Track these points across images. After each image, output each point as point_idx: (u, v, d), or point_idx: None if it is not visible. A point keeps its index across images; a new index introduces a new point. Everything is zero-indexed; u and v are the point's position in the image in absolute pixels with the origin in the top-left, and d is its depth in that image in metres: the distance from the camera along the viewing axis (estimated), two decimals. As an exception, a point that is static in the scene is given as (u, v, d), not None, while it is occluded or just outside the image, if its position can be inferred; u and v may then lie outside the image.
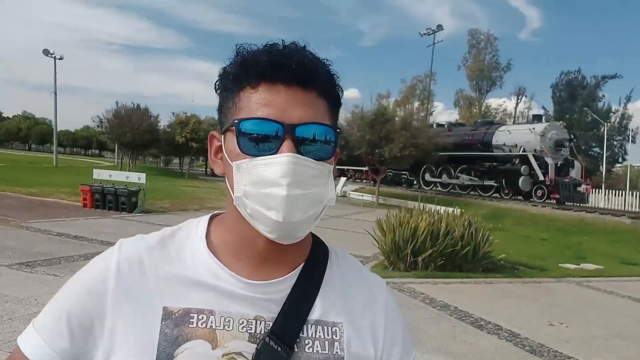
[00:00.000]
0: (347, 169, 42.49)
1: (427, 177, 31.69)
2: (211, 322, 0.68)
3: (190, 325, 0.68)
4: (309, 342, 0.71)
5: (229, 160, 0.70)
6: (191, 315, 0.68)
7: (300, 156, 0.65)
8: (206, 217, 0.80)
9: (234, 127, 0.68)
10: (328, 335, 0.72)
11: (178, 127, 42.02)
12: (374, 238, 8.38)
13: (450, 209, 9.45)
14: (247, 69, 0.69)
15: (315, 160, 0.67)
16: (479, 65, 51.49)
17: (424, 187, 31.60)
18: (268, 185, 0.65)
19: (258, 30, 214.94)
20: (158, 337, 0.67)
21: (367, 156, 26.32)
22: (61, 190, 16.29)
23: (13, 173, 23.89)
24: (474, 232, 8.53)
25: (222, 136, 0.72)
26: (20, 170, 27.54)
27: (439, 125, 33.96)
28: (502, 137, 25.65)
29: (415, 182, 33.65)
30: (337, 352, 0.71)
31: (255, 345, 0.69)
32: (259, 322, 0.70)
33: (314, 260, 0.77)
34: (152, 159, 56.24)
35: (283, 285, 0.73)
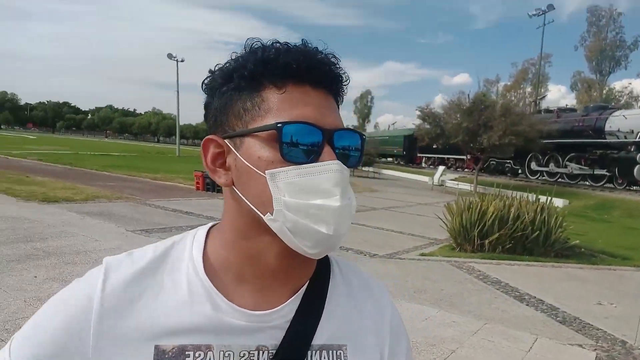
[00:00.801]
0: (448, 158, 41.80)
1: (533, 166, 30.26)
2: (209, 359, 0.62)
3: None
4: None
5: (254, 169, 0.61)
6: (187, 353, 0.62)
7: (342, 164, 0.61)
8: (203, 232, 0.71)
9: (269, 131, 0.61)
10: None
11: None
12: (443, 221, 8.87)
13: (526, 194, 9.54)
14: (270, 68, 0.62)
15: (348, 167, 0.63)
16: (599, 45, 47.17)
17: (530, 177, 30.25)
18: (317, 196, 0.60)
19: (365, 21, 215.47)
20: None
21: (465, 144, 25.93)
22: (180, 176, 18.66)
23: (142, 162, 27.53)
24: (546, 218, 8.63)
25: (233, 141, 0.64)
26: (149, 160, 31.44)
27: (547, 111, 32.16)
28: (617, 122, 23.74)
29: (520, 171, 32.28)
30: None
31: None
32: (261, 352, 0.65)
33: (318, 275, 0.72)
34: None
35: (287, 309, 0.67)
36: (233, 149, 0.64)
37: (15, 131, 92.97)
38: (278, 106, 0.62)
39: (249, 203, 0.62)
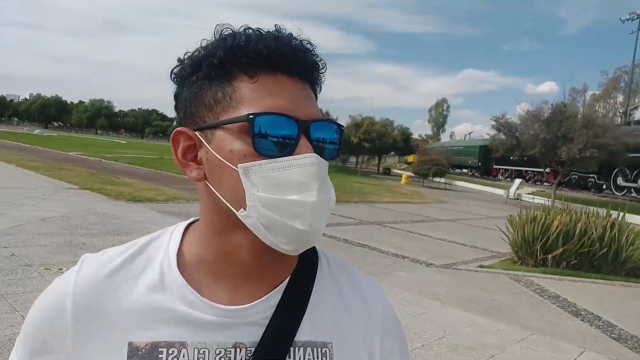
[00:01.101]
0: (526, 171, 40.09)
1: (620, 181, 28.40)
2: (183, 356, 0.60)
3: None
4: None
5: (226, 163, 0.59)
6: (160, 350, 0.60)
7: (318, 156, 0.58)
8: (181, 227, 0.70)
9: (241, 123, 0.58)
10: (317, 357, 0.65)
11: (353, 128, 45.00)
12: (505, 234, 8.76)
13: (596, 209, 9.17)
14: (241, 56, 0.59)
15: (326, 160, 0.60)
16: None
17: (616, 192, 28.38)
18: (295, 191, 0.57)
19: (444, 27, 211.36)
20: None
21: (543, 157, 24.86)
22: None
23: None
24: (616, 234, 8.28)
25: (204, 134, 0.61)
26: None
27: (638, 122, 30.04)
28: None
29: (604, 187, 30.32)
30: None
31: None
32: (238, 349, 0.62)
33: (301, 271, 0.69)
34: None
35: (265, 304, 0.64)
36: (204, 142, 0.61)
37: (109, 136, 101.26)
38: (250, 96, 0.59)
39: (222, 198, 0.60)
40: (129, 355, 0.60)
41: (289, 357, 0.63)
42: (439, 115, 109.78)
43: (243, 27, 0.62)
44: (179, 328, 0.61)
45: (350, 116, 49.15)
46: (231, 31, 0.62)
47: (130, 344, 0.60)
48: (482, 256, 8.99)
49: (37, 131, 68.49)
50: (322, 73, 0.66)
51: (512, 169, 42.94)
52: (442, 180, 36.42)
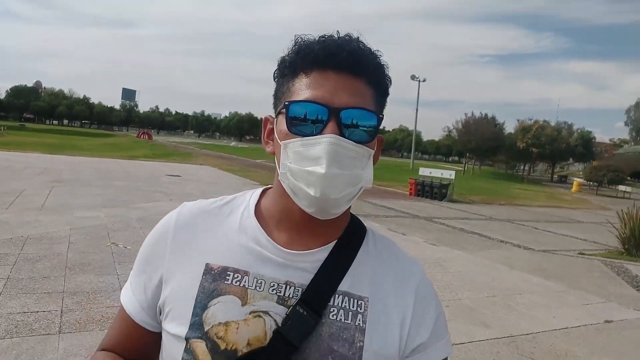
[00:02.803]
0: None
1: None
2: (244, 282, 0.76)
3: (225, 282, 0.76)
4: (334, 309, 0.76)
5: (278, 140, 0.77)
6: (228, 273, 0.77)
7: (341, 138, 0.71)
8: (259, 190, 0.89)
9: (284, 109, 0.74)
10: (353, 307, 0.77)
11: (520, 133, 43.52)
12: (613, 226, 9.33)
13: None
14: (302, 57, 0.75)
15: (356, 142, 0.73)
16: None
17: None
18: (309, 164, 0.72)
19: None
20: (197, 288, 0.76)
21: None
22: (403, 184, 21.70)
23: (379, 172, 31.67)
24: None
25: (275, 119, 0.80)
26: (386, 171, 35.59)
27: None
28: None
29: None
30: (359, 323, 0.76)
31: (282, 307, 0.75)
32: (288, 286, 0.77)
33: (348, 237, 0.83)
34: (499, 164, 58.78)
35: (315, 257, 0.79)
36: (275, 126, 0.79)
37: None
38: (299, 88, 0.75)
39: (277, 166, 0.78)
40: (204, 272, 0.77)
41: (330, 302, 0.76)
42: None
43: (317, 36, 0.78)
44: (246, 260, 0.78)
45: (518, 120, 47.56)
46: (300, 39, 0.78)
47: (207, 264, 0.78)
48: (591, 248, 9.67)
49: (233, 143, 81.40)
50: (375, 70, 0.77)
51: None
52: (624, 188, 33.22)
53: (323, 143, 0.71)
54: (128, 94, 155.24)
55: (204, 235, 0.81)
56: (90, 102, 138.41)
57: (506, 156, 49.04)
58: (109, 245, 6.22)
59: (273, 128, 0.80)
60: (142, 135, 72.24)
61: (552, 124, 47.83)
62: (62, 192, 10.54)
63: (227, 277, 0.76)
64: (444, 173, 18.20)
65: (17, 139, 38.38)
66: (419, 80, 50.68)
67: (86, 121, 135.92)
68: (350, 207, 0.81)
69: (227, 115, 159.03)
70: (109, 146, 45.56)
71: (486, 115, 45.89)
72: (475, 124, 43.91)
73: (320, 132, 0.72)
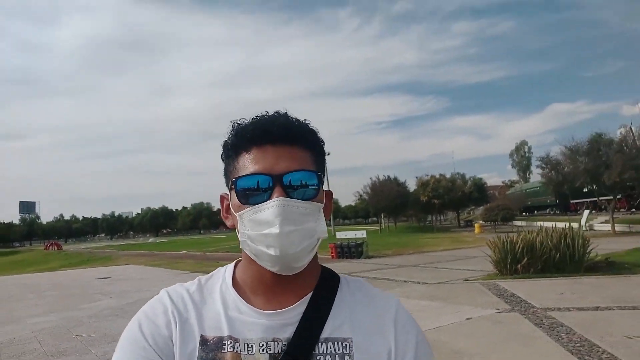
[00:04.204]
0: (600, 200, 40.09)
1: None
2: (237, 348, 0.82)
3: (222, 351, 0.82)
4: (320, 358, 0.81)
5: (233, 212, 0.85)
6: (223, 342, 0.82)
7: (288, 198, 0.79)
8: (232, 264, 0.96)
9: (233, 185, 0.83)
10: (339, 350, 0.82)
11: (421, 188, 47.99)
12: (487, 255, 11.73)
13: (562, 224, 11.86)
14: (239, 138, 0.85)
15: (303, 200, 0.80)
16: None
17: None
18: (264, 227, 0.79)
19: (517, 69, 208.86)
20: (196, 359, 0.82)
21: (587, 185, 26.35)
22: (325, 249, 23.52)
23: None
24: (570, 241, 10.97)
25: (229, 195, 0.87)
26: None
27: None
28: None
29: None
30: None
31: None
32: (276, 343, 0.82)
33: (322, 287, 0.89)
34: (407, 219, 63.13)
35: (295, 311, 0.85)
36: (229, 201, 0.87)
37: (210, 234, 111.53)
38: (244, 165, 0.84)
39: (239, 237, 0.85)
40: (200, 344, 0.83)
41: (315, 350, 0.81)
42: (522, 158, 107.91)
43: (252, 117, 0.87)
44: (234, 328, 0.84)
45: (416, 177, 52.27)
46: (237, 124, 0.87)
47: (202, 336, 0.84)
48: (472, 275, 11.93)
49: (151, 240, 79.32)
50: (307, 136, 0.86)
51: (587, 201, 42.89)
52: (519, 223, 37.62)
53: (272, 206, 0.78)
54: (27, 207, 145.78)
55: (193, 312, 0.87)
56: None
57: (414, 210, 53.13)
58: (74, 336, 7.24)
59: (229, 204, 0.88)
60: (50, 247, 68.55)
61: (448, 175, 53.00)
62: (2, 309, 11.01)
63: (223, 346, 0.82)
64: (357, 234, 20.40)
65: None
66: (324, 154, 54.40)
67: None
68: (316, 259, 0.89)
69: (140, 212, 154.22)
70: (19, 263, 43.17)
71: (389, 177, 50.02)
72: (381, 186, 47.63)
73: (268, 199, 0.79)
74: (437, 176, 51.11)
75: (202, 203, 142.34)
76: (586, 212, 32.68)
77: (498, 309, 7.40)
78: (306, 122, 0.87)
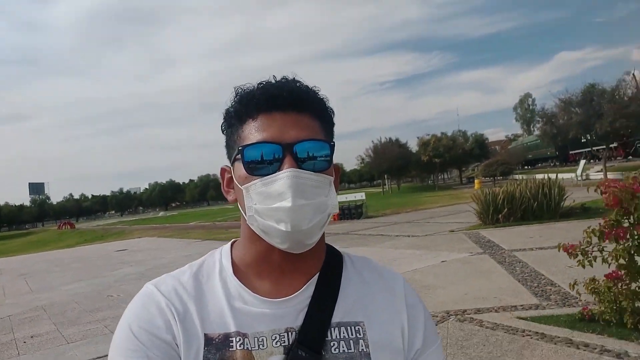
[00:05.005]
0: (598, 150, 40.77)
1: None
2: (247, 344, 0.74)
3: (230, 349, 0.74)
4: (334, 344, 0.77)
5: (239, 186, 0.78)
6: (230, 339, 0.75)
7: (300, 170, 0.73)
8: (227, 246, 0.88)
9: (239, 156, 0.77)
10: (352, 335, 0.78)
11: (422, 148, 48.72)
12: (472, 207, 12.74)
13: (541, 176, 12.83)
14: (245, 105, 0.79)
15: (314, 172, 0.75)
16: None
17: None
18: (275, 200, 0.73)
19: (526, 19, 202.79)
20: None
21: (580, 136, 27.08)
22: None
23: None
24: (547, 191, 11.94)
25: (231, 167, 0.81)
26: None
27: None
28: None
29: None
30: (362, 349, 0.77)
31: (287, 356, 0.74)
32: (290, 333, 0.76)
33: (329, 267, 0.84)
34: (411, 179, 64.12)
35: (303, 295, 0.80)
36: (232, 173, 0.81)
37: (218, 205, 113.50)
38: (250, 133, 0.77)
39: (242, 212, 0.79)
40: (205, 344, 0.74)
41: (327, 337, 0.77)
42: (526, 111, 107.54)
43: (255, 83, 0.80)
44: (240, 321, 0.76)
45: (417, 137, 52.88)
46: (241, 89, 0.81)
47: (205, 335, 0.75)
48: (461, 227, 12.98)
49: (160, 213, 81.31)
50: (317, 104, 0.81)
51: (585, 151, 43.57)
52: (519, 177, 38.54)
53: (284, 178, 0.73)
54: (36, 188, 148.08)
55: (192, 307, 0.78)
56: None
57: (416, 171, 54.01)
58: (106, 297, 8.42)
59: (232, 177, 0.82)
60: (63, 226, 70.50)
61: (450, 133, 53.50)
62: (36, 280, 12.29)
63: (231, 344, 0.75)
64: (356, 196, 21.46)
65: None
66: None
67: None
68: (323, 236, 0.82)
69: (147, 187, 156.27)
70: (35, 243, 44.83)
71: (390, 138, 50.70)
72: (382, 149, 48.39)
73: (278, 170, 0.74)
74: (439, 135, 51.59)
75: (208, 175, 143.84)
76: (582, 162, 33.40)
77: (471, 253, 8.46)
78: (316, 89, 0.82)
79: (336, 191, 0.81)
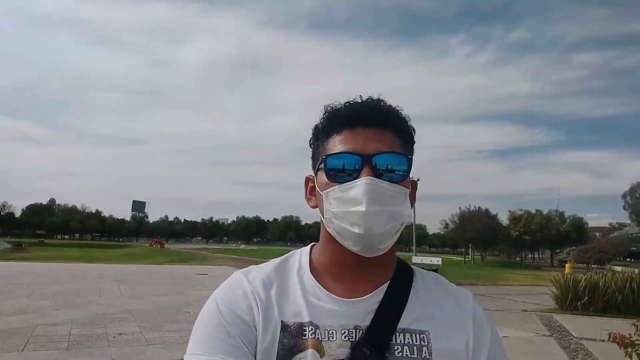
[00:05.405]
0: None
1: None
2: (318, 335, 0.80)
3: (303, 337, 0.79)
4: (398, 347, 0.80)
5: (320, 192, 0.85)
6: (304, 328, 0.80)
7: (376, 179, 0.79)
8: (307, 248, 0.95)
9: (322, 165, 0.84)
10: (416, 342, 0.81)
11: (512, 222, 46.74)
12: (550, 290, 12.25)
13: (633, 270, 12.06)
14: (332, 120, 0.86)
15: (390, 182, 0.80)
16: None
17: None
18: (351, 205, 0.79)
19: (637, 106, 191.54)
20: (277, 345, 0.79)
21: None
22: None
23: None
24: (635, 286, 11.23)
25: (315, 176, 0.88)
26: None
27: None
28: None
29: None
30: (425, 356, 0.79)
31: (353, 351, 0.79)
32: (358, 331, 0.80)
33: (399, 277, 0.88)
34: (499, 253, 61.15)
35: (373, 299, 0.84)
36: (315, 182, 0.88)
37: (296, 246, 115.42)
38: (334, 145, 0.85)
39: (321, 216, 0.86)
40: (281, 330, 0.81)
41: (392, 340, 0.80)
42: (637, 200, 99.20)
43: (345, 102, 0.88)
44: (314, 314, 0.82)
45: (509, 211, 50.87)
46: (330, 107, 0.89)
47: (282, 322, 0.81)
48: (536, 308, 12.49)
49: (242, 246, 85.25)
50: (398, 122, 0.87)
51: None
52: (618, 268, 35.57)
53: (360, 185, 0.79)
54: (138, 206, 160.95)
55: (274, 296, 0.84)
56: (102, 215, 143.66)
57: (504, 245, 51.66)
58: (184, 312, 9.34)
59: (314, 185, 0.89)
60: (154, 244, 75.77)
61: (554, 212, 50.76)
62: (128, 288, 13.74)
63: (304, 333, 0.80)
64: (433, 260, 21.29)
65: (41, 254, 41.62)
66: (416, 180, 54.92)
67: (97, 234, 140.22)
68: (395, 247, 0.86)
69: (235, 219, 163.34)
70: (128, 256, 48.75)
71: (479, 207, 49.36)
72: (470, 216, 47.14)
73: (357, 177, 0.80)
74: (533, 212, 49.25)
75: (291, 216, 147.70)
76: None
77: (537, 333, 8.28)
78: (399, 108, 0.88)
79: (412, 205, 0.85)
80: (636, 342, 4.08)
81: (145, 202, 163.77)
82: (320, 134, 0.88)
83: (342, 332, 0.80)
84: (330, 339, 0.79)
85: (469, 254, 51.68)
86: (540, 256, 65.87)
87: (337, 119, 0.85)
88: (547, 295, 13.76)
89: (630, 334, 4.14)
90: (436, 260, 21.01)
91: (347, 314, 0.82)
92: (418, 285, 0.89)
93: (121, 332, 7.37)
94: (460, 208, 49.18)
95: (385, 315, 0.82)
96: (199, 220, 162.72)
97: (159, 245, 73.07)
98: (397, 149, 0.83)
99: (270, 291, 0.85)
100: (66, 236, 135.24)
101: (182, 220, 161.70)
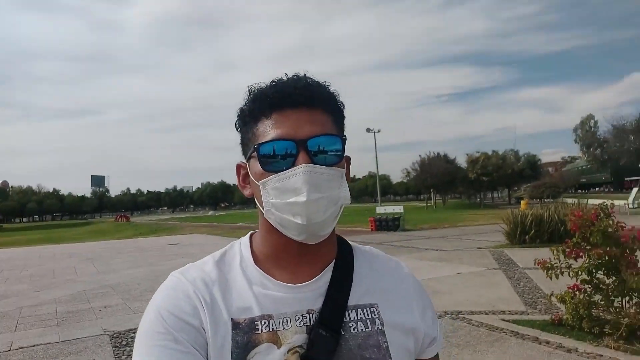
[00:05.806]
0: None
1: None
2: (272, 326, 0.79)
3: (256, 332, 0.78)
4: (352, 324, 0.82)
5: (255, 182, 0.82)
6: (255, 322, 0.78)
7: (313, 165, 0.77)
8: (246, 238, 0.92)
9: (255, 153, 0.80)
10: (368, 315, 0.84)
11: (470, 165, 48.61)
12: (501, 227, 13.33)
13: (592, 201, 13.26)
14: (259, 103, 0.82)
15: (327, 166, 0.78)
16: None
17: None
18: (291, 195, 0.76)
19: (595, 39, 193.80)
20: (231, 345, 0.77)
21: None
22: (365, 222, 25.58)
23: (353, 217, 35.55)
24: (575, 217, 12.39)
25: (247, 164, 0.85)
26: (355, 215, 39.42)
27: None
28: None
29: None
30: (378, 327, 0.83)
31: (310, 336, 0.79)
32: (311, 314, 0.81)
33: (342, 255, 0.89)
34: (460, 196, 63.66)
35: (321, 281, 0.84)
36: (248, 169, 0.84)
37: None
38: (264, 131, 0.80)
39: (259, 206, 0.82)
40: (232, 328, 0.78)
41: (346, 318, 0.82)
42: (587, 133, 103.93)
43: (270, 81, 0.83)
44: (264, 305, 0.80)
45: (466, 154, 52.67)
46: (254, 88, 0.84)
47: (232, 320, 0.79)
48: (490, 245, 13.59)
49: (210, 213, 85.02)
50: (328, 99, 0.84)
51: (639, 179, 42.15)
52: (571, 200, 37.77)
53: (299, 173, 0.76)
54: (97, 181, 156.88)
55: (218, 293, 0.81)
56: (60, 193, 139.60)
57: (463, 187, 53.83)
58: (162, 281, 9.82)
59: (247, 172, 0.85)
60: (120, 219, 74.95)
61: (510, 151, 52.54)
62: (101, 264, 14.05)
63: (256, 327, 0.78)
64: (395, 208, 22.27)
65: (1, 239, 40.84)
66: (374, 132, 55.75)
67: (57, 213, 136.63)
68: (335, 228, 0.85)
69: (199, 186, 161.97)
70: (94, 233, 48.26)
71: (438, 153, 50.88)
72: (429, 163, 48.64)
73: (292, 165, 0.77)
74: (489, 153, 51.13)
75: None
76: (634, 190, 32.62)
77: (487, 268, 9.22)
78: (326, 84, 0.85)
79: (347, 182, 0.84)
80: (555, 265, 4.86)
81: (104, 176, 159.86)
82: (248, 118, 0.84)
83: (296, 318, 0.80)
84: (285, 327, 0.79)
85: (431, 200, 53.66)
86: (499, 195, 69.03)
87: (264, 102, 0.81)
88: (500, 232, 14.92)
89: (550, 259, 4.92)
90: (398, 209, 22.04)
91: (298, 299, 0.82)
92: (359, 260, 0.91)
93: (106, 305, 7.78)
94: (420, 155, 50.63)
95: (336, 294, 0.83)
96: (162, 190, 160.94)
97: (124, 220, 72.39)
98: (330, 129, 0.82)
99: (214, 289, 0.81)
100: (24, 219, 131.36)
101: (145, 192, 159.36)
